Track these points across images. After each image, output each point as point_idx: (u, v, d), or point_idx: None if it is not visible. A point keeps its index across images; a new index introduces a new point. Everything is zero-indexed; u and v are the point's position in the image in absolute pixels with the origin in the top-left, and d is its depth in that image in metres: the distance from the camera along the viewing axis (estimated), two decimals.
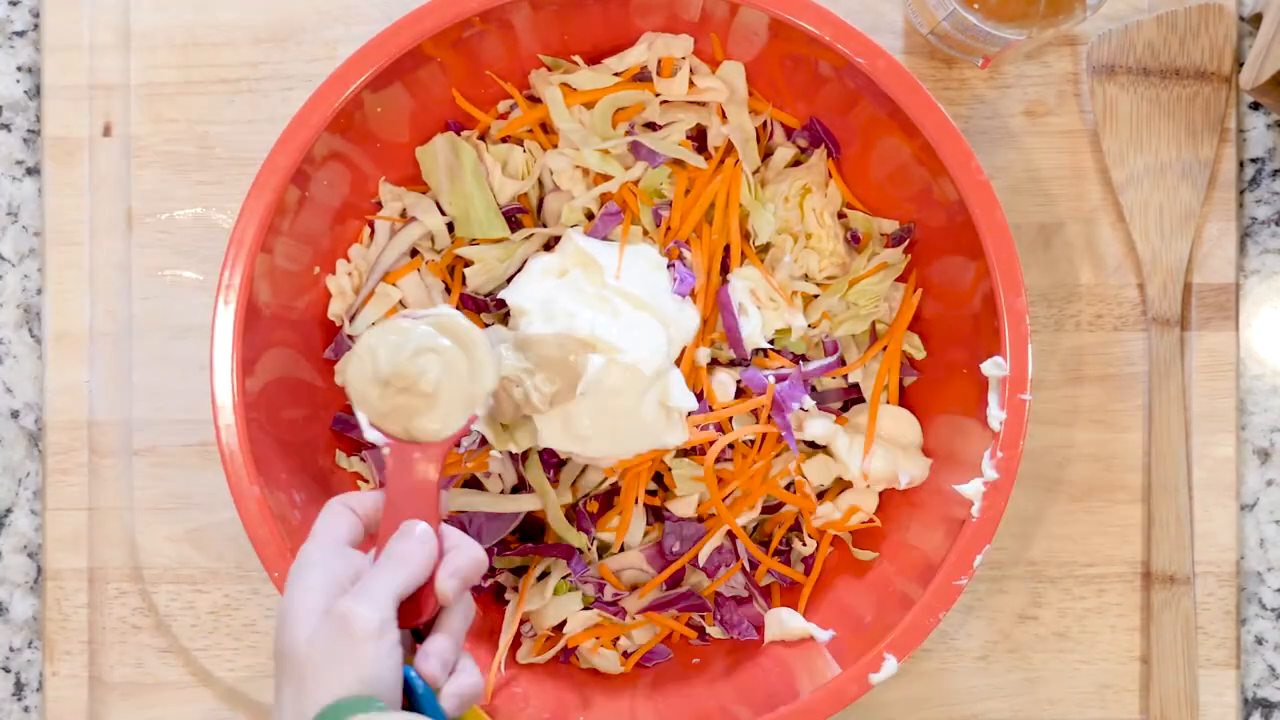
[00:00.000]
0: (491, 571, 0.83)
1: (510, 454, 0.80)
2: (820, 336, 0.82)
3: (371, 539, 0.67)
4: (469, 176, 0.80)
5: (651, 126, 0.82)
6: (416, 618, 0.64)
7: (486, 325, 0.81)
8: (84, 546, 0.86)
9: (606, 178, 0.80)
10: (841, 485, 0.82)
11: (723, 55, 0.80)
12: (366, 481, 0.82)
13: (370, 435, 0.68)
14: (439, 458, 0.67)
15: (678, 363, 0.79)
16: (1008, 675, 0.86)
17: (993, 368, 0.73)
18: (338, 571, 0.62)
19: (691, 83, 0.80)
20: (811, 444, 0.82)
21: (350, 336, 0.81)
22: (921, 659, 0.86)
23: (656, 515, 0.82)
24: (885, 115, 0.75)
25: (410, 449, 0.67)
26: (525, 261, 0.80)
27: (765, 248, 0.82)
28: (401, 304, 0.82)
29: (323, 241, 0.80)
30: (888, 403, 0.81)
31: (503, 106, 0.82)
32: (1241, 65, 0.84)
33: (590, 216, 0.81)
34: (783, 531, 0.82)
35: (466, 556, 0.65)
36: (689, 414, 0.79)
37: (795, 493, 0.81)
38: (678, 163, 0.81)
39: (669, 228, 0.80)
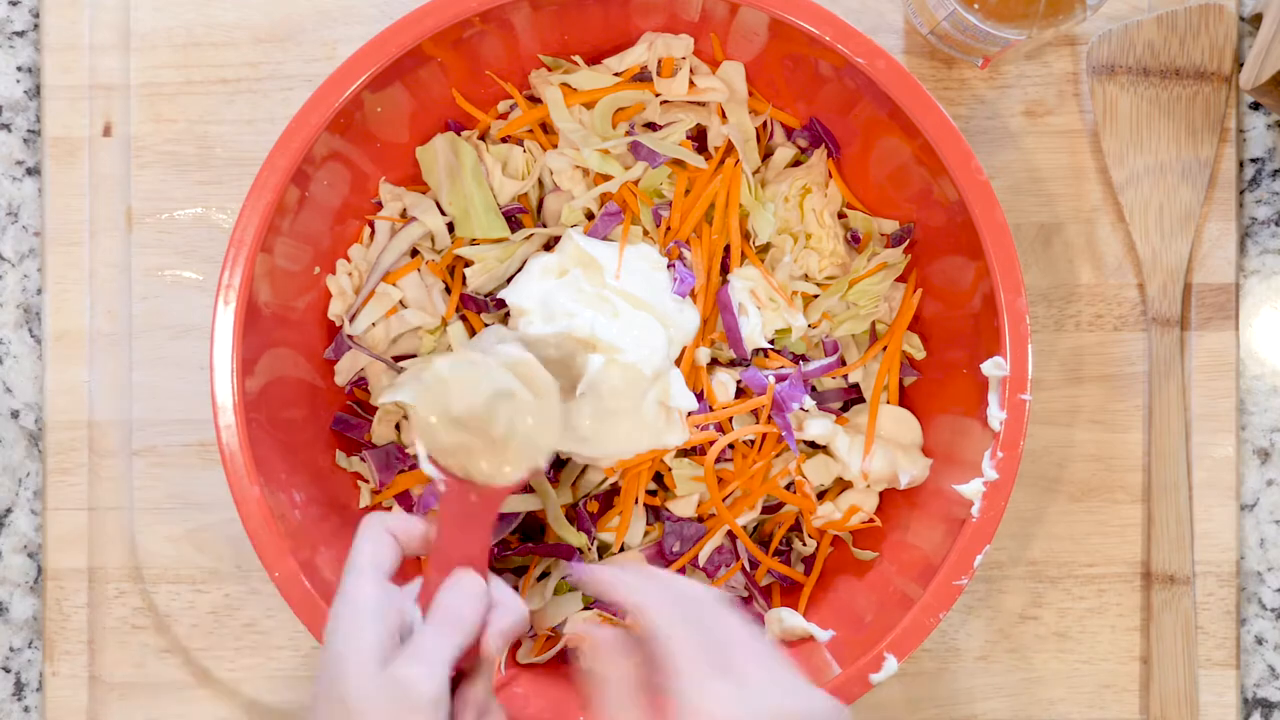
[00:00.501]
0: (493, 572, 0.83)
1: None
2: (820, 336, 0.82)
3: (404, 564, 0.65)
4: (469, 176, 0.80)
5: (651, 127, 0.82)
6: (457, 668, 0.62)
7: (486, 325, 0.81)
8: (84, 546, 0.87)
9: (607, 178, 0.80)
10: (841, 485, 0.82)
11: (723, 55, 0.80)
12: (366, 481, 0.82)
13: (426, 469, 0.66)
14: (495, 502, 0.65)
15: (678, 363, 0.79)
16: (1008, 675, 0.86)
17: (993, 368, 0.73)
18: (390, 620, 0.61)
19: (691, 83, 0.80)
20: (811, 444, 0.82)
21: (350, 337, 0.81)
22: (921, 659, 0.86)
23: (656, 515, 0.82)
24: (885, 115, 0.75)
25: (467, 489, 0.66)
26: (525, 261, 0.80)
27: (765, 248, 0.82)
28: (401, 304, 0.82)
29: (323, 241, 0.80)
30: (888, 403, 0.81)
31: (503, 106, 0.82)
32: (1241, 65, 0.84)
33: (590, 216, 0.81)
34: (783, 531, 0.82)
35: (514, 617, 0.64)
36: (689, 414, 0.79)
37: (795, 493, 0.81)
38: (678, 163, 0.81)
39: (669, 228, 0.80)
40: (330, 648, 0.60)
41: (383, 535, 0.64)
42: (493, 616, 0.64)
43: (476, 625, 0.63)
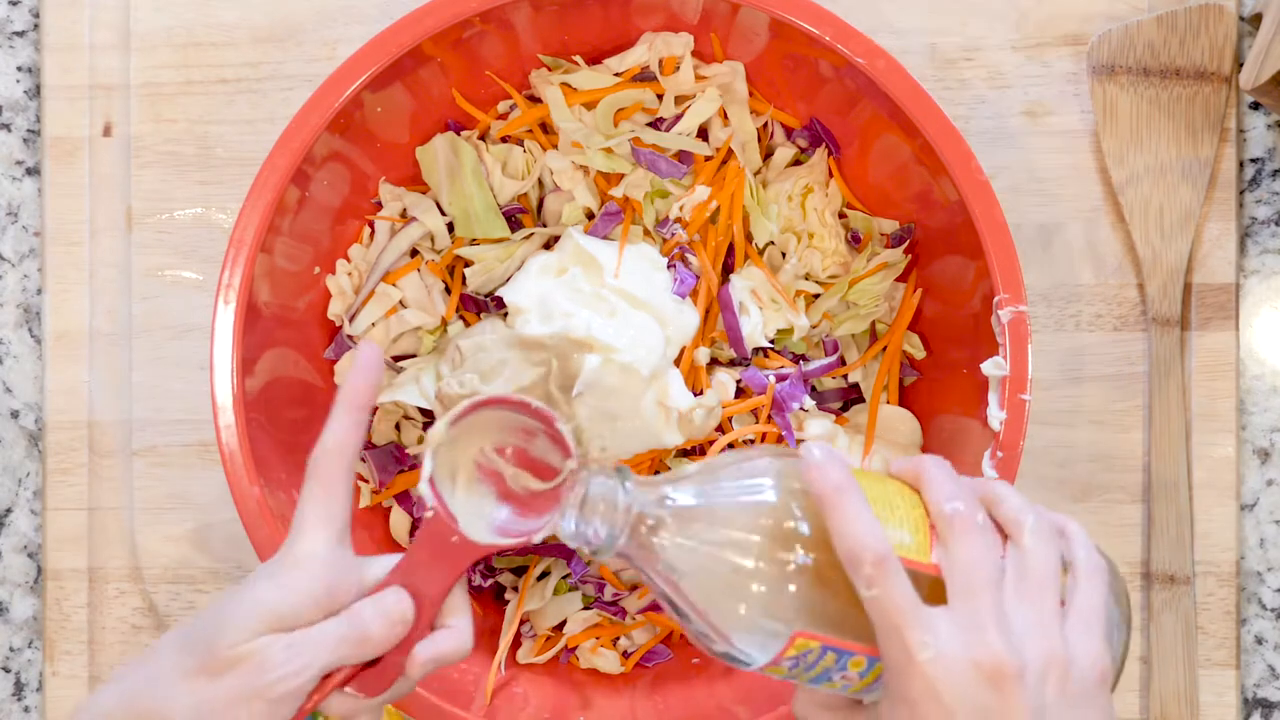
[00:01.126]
0: (491, 571, 0.83)
1: None
2: (820, 336, 0.82)
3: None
4: (469, 176, 0.80)
5: (656, 125, 0.82)
6: (374, 689, 0.59)
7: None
8: (84, 546, 0.87)
9: (609, 177, 0.80)
10: None
11: (723, 55, 0.80)
12: (366, 481, 0.82)
13: (423, 489, 0.62)
14: (474, 553, 0.61)
15: (677, 362, 0.79)
16: None
17: (993, 368, 0.73)
18: (311, 593, 0.57)
19: (698, 74, 0.80)
20: None
21: (350, 337, 0.81)
22: None
23: None
24: (885, 115, 0.75)
25: (452, 530, 0.61)
26: (524, 261, 0.80)
27: (769, 246, 0.82)
28: (401, 304, 0.82)
29: (323, 241, 0.80)
30: (888, 403, 0.81)
31: (503, 106, 0.82)
32: (1241, 65, 0.84)
33: (590, 216, 0.81)
34: None
35: (451, 646, 0.60)
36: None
37: None
38: (686, 160, 0.80)
39: (674, 232, 0.80)
40: (236, 594, 0.58)
41: (332, 484, 0.60)
42: (432, 638, 0.60)
43: (382, 647, 0.59)
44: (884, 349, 0.82)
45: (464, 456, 0.63)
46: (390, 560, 0.61)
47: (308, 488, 0.60)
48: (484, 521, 0.63)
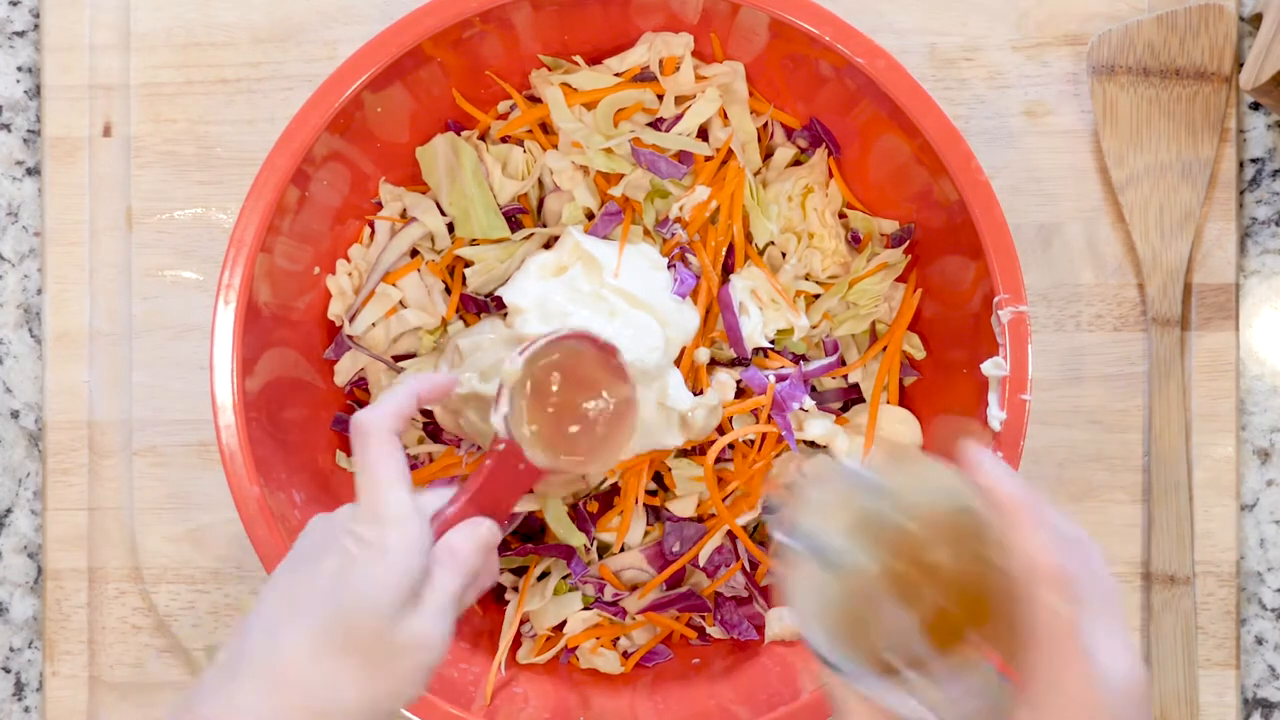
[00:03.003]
0: None
1: None
2: (820, 336, 0.82)
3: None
4: (469, 176, 0.80)
5: (656, 125, 0.82)
6: None
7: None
8: (84, 546, 0.87)
9: (609, 177, 0.80)
10: None
11: (723, 55, 0.80)
12: None
13: (496, 422, 0.66)
14: (537, 476, 0.67)
15: (677, 362, 0.79)
16: None
17: (993, 368, 0.73)
18: (422, 559, 0.61)
19: (698, 74, 0.80)
20: (811, 444, 0.82)
21: (350, 337, 0.81)
22: None
23: (656, 515, 0.82)
24: (885, 115, 0.75)
25: (520, 458, 0.67)
26: (524, 261, 0.80)
27: (769, 245, 0.82)
28: (401, 304, 0.82)
29: (323, 241, 0.80)
30: (888, 403, 0.81)
31: (503, 107, 0.82)
32: (1241, 65, 0.84)
33: (590, 216, 0.81)
34: None
35: (490, 581, 0.67)
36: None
37: None
38: (685, 157, 0.80)
39: (674, 232, 0.80)
40: (352, 582, 0.59)
41: (395, 443, 0.63)
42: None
43: (474, 575, 0.64)
44: (884, 349, 0.82)
45: (524, 387, 0.68)
46: (437, 493, 0.66)
47: (367, 449, 0.63)
48: (543, 450, 0.68)
